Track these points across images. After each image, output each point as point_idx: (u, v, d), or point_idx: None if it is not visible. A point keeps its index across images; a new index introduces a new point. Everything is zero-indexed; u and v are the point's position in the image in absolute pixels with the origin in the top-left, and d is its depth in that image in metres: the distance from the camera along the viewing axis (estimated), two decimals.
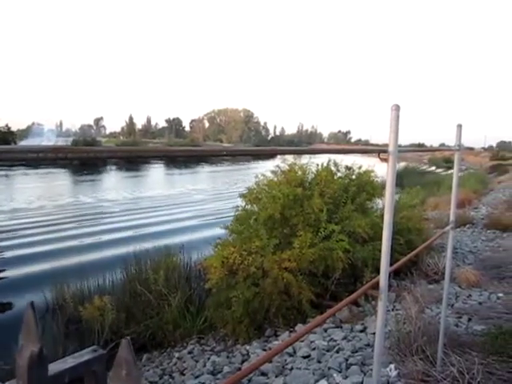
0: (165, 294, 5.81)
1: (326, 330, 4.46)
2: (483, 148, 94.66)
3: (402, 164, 36.10)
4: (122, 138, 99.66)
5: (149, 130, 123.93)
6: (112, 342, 5.02)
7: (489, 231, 9.27)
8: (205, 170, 43.88)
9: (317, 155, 7.52)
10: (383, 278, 1.70)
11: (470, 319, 4.28)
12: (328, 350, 3.93)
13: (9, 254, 9.90)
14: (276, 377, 3.58)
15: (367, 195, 6.02)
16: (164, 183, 30.96)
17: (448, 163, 35.70)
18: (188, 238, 9.91)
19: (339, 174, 6.27)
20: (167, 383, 4.49)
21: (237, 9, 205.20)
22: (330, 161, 6.34)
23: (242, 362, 4.37)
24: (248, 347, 4.67)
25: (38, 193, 22.08)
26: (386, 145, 1.65)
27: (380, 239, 1.70)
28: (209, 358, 4.67)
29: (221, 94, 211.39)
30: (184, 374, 4.51)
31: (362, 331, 4.32)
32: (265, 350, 4.48)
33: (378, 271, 1.72)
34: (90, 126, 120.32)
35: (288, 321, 5.01)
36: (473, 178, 20.61)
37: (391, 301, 5.00)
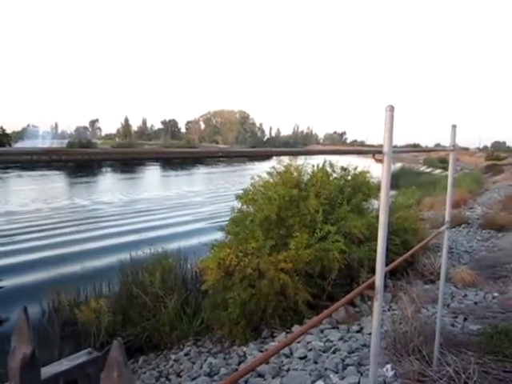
0: (161, 296, 5.80)
1: (322, 331, 4.46)
2: (478, 148, 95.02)
3: (398, 164, 36.23)
4: (117, 139, 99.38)
5: (144, 132, 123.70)
6: (108, 345, 5.00)
7: (484, 231, 9.31)
8: (200, 172, 43.85)
9: (312, 156, 7.53)
10: (379, 279, 1.70)
11: (465, 319, 4.30)
12: (324, 351, 3.94)
13: (4, 261, 9.60)
14: (273, 378, 3.58)
15: (363, 196, 6.03)
16: (160, 185, 30.85)
17: (443, 163, 35.78)
18: (189, 243, 9.47)
19: (335, 175, 6.27)
20: None
21: (232, 10, 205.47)
22: (325, 162, 6.35)
23: (239, 363, 4.36)
24: (245, 348, 4.66)
25: (33, 195, 21.95)
26: (382, 145, 1.66)
27: (376, 240, 1.71)
28: (205, 360, 4.66)
29: (216, 95, 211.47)
30: (181, 376, 4.50)
31: (358, 331, 4.33)
32: (261, 351, 4.47)
33: (374, 271, 1.73)
34: (85, 128, 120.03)
35: (284, 322, 5.01)
36: (468, 178, 20.70)
37: (387, 301, 5.01)
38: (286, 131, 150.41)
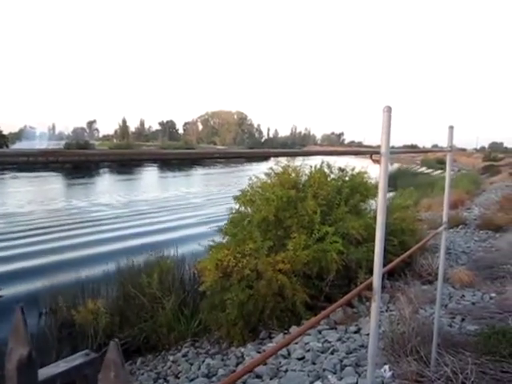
0: (159, 297, 5.79)
1: (320, 332, 4.46)
2: (475, 149, 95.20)
3: (396, 165, 36.27)
4: (115, 140, 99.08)
5: (142, 133, 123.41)
6: (106, 346, 4.99)
7: (481, 231, 9.33)
8: (198, 173, 43.82)
9: (310, 157, 7.54)
10: (377, 279, 1.71)
11: (463, 319, 4.30)
12: (322, 352, 3.94)
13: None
14: (271, 379, 3.58)
15: (361, 197, 6.04)
16: (158, 186, 30.70)
17: (441, 164, 35.84)
18: (192, 248, 8.43)
19: (332, 176, 6.28)
20: None
21: (230, 12, 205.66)
22: (323, 163, 6.36)
23: (237, 364, 4.36)
24: (243, 350, 4.66)
25: (29, 197, 21.79)
26: (379, 146, 1.66)
27: (374, 240, 1.71)
28: (203, 361, 4.66)
29: (214, 96, 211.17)
30: (178, 378, 4.50)
31: (356, 332, 4.33)
32: (259, 352, 4.47)
33: (371, 272, 1.73)
34: (82, 129, 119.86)
35: (282, 323, 5.01)
36: (465, 179, 20.74)
37: (385, 302, 5.01)
38: (284, 132, 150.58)
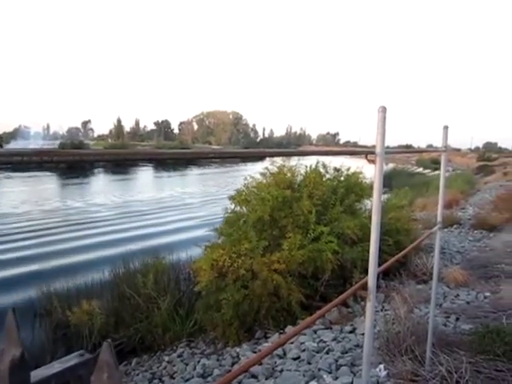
0: (154, 297, 5.78)
1: (315, 332, 4.47)
2: (470, 149, 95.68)
3: (391, 165, 36.36)
4: (110, 140, 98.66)
5: (137, 133, 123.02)
6: (101, 347, 4.97)
7: (476, 231, 9.37)
8: (193, 173, 43.73)
9: (305, 157, 7.54)
10: (371, 279, 1.71)
11: (457, 318, 4.32)
12: (318, 352, 3.94)
13: None
14: (266, 379, 3.58)
15: (356, 196, 6.05)
16: (154, 186, 30.55)
17: (435, 164, 36.03)
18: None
19: (328, 176, 6.29)
20: None
21: (225, 11, 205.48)
22: (318, 163, 6.36)
23: (232, 364, 4.35)
24: (238, 350, 4.66)
25: (23, 197, 21.57)
26: (374, 146, 1.66)
27: (369, 240, 1.71)
28: (199, 361, 4.65)
29: (209, 96, 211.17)
30: (174, 378, 4.49)
31: (351, 332, 4.34)
32: (255, 352, 4.47)
33: (367, 272, 1.73)
34: (77, 129, 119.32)
35: (278, 323, 5.01)
36: (460, 179, 20.83)
37: (380, 301, 5.02)
38: (279, 132, 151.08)
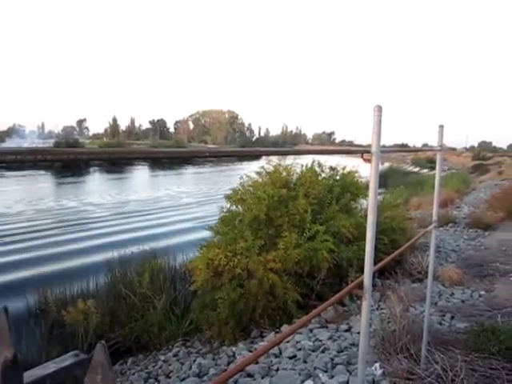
0: (150, 296, 5.77)
1: (311, 330, 4.47)
2: (465, 148, 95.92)
3: (386, 164, 36.47)
4: (105, 139, 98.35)
5: (133, 132, 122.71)
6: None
7: (471, 230, 9.41)
8: (189, 172, 43.69)
9: (301, 156, 7.55)
10: (367, 278, 1.71)
11: (453, 317, 4.34)
12: (314, 350, 3.94)
13: None
14: (262, 378, 3.58)
15: (351, 195, 6.06)
16: (149, 185, 30.42)
17: (431, 163, 36.15)
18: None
19: (323, 175, 6.30)
20: None
21: (221, 11, 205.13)
22: (314, 162, 6.37)
23: (228, 363, 4.35)
24: (234, 349, 4.65)
25: (17, 196, 21.39)
26: (370, 145, 1.66)
27: (364, 239, 1.72)
28: (194, 361, 4.64)
29: (205, 95, 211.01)
30: (170, 377, 4.48)
31: (347, 331, 4.35)
32: (251, 351, 4.46)
33: (362, 271, 1.74)
34: (72, 128, 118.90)
35: (274, 321, 5.01)
36: (455, 178, 20.93)
37: (376, 300, 5.04)
38: (275, 131, 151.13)
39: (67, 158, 0.83)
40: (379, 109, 1.64)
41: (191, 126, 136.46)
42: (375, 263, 1.79)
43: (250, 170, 6.50)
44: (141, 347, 5.49)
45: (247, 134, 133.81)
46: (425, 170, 38.74)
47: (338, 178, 6.35)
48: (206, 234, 5.98)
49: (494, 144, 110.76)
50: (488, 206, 11.48)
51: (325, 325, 4.62)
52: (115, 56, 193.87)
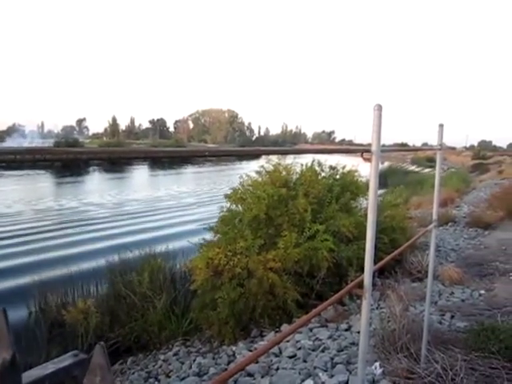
0: (149, 295, 5.77)
1: (311, 330, 4.47)
2: (465, 147, 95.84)
3: (386, 163, 36.46)
4: (105, 138, 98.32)
5: (132, 131, 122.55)
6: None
7: (471, 229, 9.41)
8: (188, 171, 43.65)
9: (301, 155, 7.54)
10: (367, 277, 1.71)
11: (452, 316, 4.34)
12: (314, 350, 3.94)
13: None
14: (262, 377, 3.58)
15: (351, 195, 6.06)
16: (149, 185, 30.27)
17: (431, 162, 36.14)
18: None
19: (323, 174, 6.30)
20: None
21: (221, 10, 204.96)
22: (314, 161, 6.37)
23: (228, 363, 4.35)
24: (234, 348, 4.66)
25: (16, 196, 21.27)
26: (370, 144, 1.66)
27: (364, 238, 1.71)
28: (194, 360, 4.64)
29: (205, 94, 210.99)
30: (169, 377, 4.48)
31: (347, 330, 4.35)
32: (251, 350, 4.47)
33: (362, 270, 1.73)
34: (72, 127, 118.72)
35: (274, 321, 5.01)
36: (455, 177, 20.92)
37: (376, 299, 5.04)
38: (275, 130, 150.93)
39: (66, 158, 0.83)
40: (379, 108, 1.63)
41: (191, 125, 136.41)
42: (375, 262, 1.79)
43: (250, 169, 6.49)
44: (141, 347, 5.49)
45: (247, 133, 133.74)
46: (425, 170, 38.73)
47: (337, 177, 6.35)
48: (208, 236, 5.91)
49: (493, 143, 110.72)
50: (488, 205, 11.48)
51: (325, 324, 4.63)
52: (115, 55, 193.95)
